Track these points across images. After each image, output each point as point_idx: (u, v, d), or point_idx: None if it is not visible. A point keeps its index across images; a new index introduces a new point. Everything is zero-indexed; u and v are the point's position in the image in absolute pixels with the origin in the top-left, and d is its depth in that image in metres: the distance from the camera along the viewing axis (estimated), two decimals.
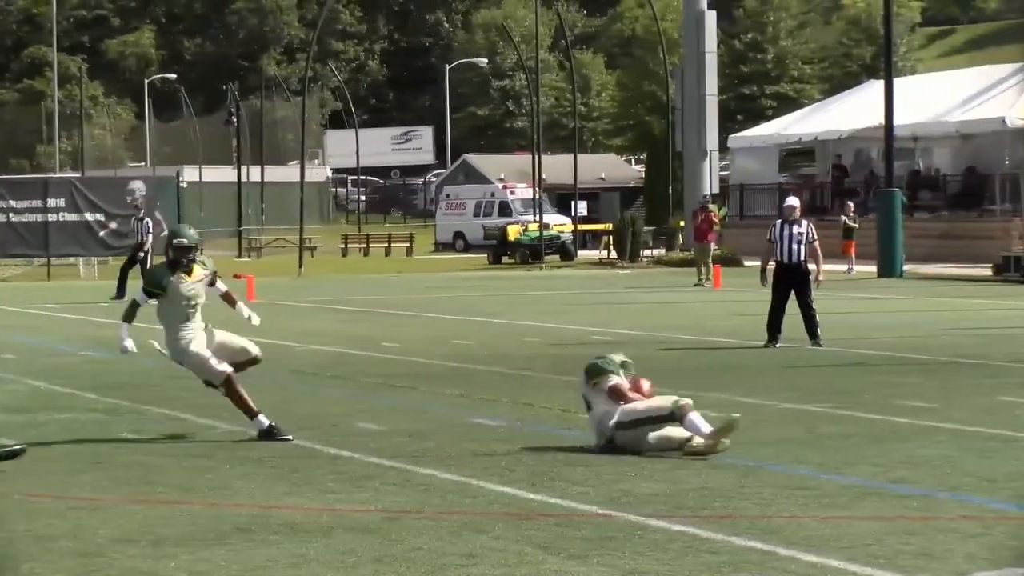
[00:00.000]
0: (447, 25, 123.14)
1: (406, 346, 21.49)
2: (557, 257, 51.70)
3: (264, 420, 12.91)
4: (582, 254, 53.68)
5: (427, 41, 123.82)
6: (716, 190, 51.87)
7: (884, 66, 42.85)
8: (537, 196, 57.20)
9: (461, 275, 44.43)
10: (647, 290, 35.90)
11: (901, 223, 39.94)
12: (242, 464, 11.72)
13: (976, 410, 14.22)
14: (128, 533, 9.26)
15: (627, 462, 11.46)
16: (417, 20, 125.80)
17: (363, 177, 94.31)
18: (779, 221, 21.14)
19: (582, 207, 59.06)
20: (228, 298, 13.55)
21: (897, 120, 41.02)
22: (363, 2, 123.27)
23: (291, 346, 21.08)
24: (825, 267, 22.08)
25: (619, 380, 12.09)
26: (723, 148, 56.36)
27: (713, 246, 38.82)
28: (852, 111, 52.20)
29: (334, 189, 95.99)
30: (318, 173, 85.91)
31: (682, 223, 49.26)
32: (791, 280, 20.80)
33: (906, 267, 39.62)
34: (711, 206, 40.39)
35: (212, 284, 13.31)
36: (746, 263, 41.58)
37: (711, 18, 52.80)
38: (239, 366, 13.08)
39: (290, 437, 12.78)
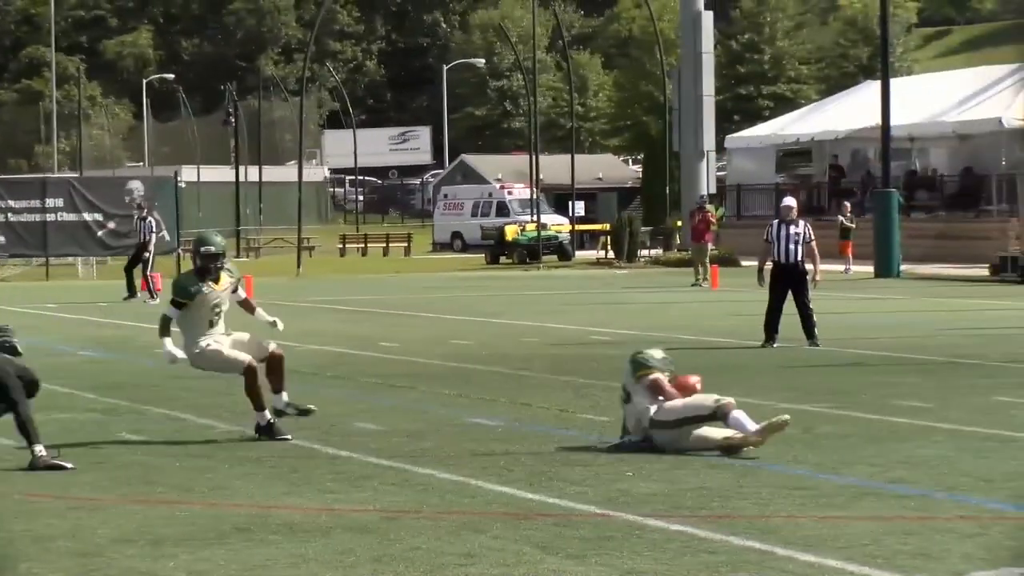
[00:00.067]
0: (444, 25, 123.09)
1: (405, 346, 21.51)
2: (555, 257, 51.71)
3: (268, 415, 12.92)
4: (579, 254, 53.68)
5: (425, 41, 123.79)
6: (713, 190, 51.94)
7: (881, 67, 42.89)
8: (534, 196, 57.24)
9: (459, 275, 44.44)
10: (644, 290, 35.92)
11: (898, 223, 39.97)
12: (241, 464, 11.74)
13: (973, 410, 14.25)
14: (127, 533, 9.28)
15: (626, 462, 11.48)
16: (415, 20, 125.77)
17: (361, 177, 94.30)
18: (776, 221, 21.16)
19: (579, 207, 59.06)
20: (246, 305, 13.44)
21: (894, 120, 41.04)
22: (361, 2, 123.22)
23: (290, 346, 20.96)
24: (822, 267, 22.13)
25: (660, 376, 12.12)
26: (720, 148, 56.35)
27: (710, 246, 38.85)
28: (849, 111, 52.21)
29: (332, 189, 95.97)
30: (316, 173, 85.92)
31: (679, 223, 49.27)
32: (788, 280, 20.82)
33: (903, 267, 39.66)
34: (708, 206, 40.43)
35: (235, 291, 13.26)
36: (743, 263, 41.57)
37: (708, 19, 52.84)
38: (267, 368, 13.01)
39: (289, 436, 12.80)
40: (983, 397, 15.23)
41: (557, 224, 56.91)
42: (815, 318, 20.79)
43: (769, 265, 21.14)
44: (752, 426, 11.71)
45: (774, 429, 11.77)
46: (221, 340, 12.95)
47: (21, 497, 10.48)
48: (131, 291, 32.83)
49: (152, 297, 32.43)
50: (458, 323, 26.11)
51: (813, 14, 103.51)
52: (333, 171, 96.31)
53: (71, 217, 42.37)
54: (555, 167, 63.13)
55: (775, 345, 20.59)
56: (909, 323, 25.38)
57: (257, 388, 12.87)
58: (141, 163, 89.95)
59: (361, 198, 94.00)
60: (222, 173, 74.05)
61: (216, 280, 12.98)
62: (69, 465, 11.53)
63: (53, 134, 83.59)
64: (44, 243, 42.64)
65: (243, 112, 75.68)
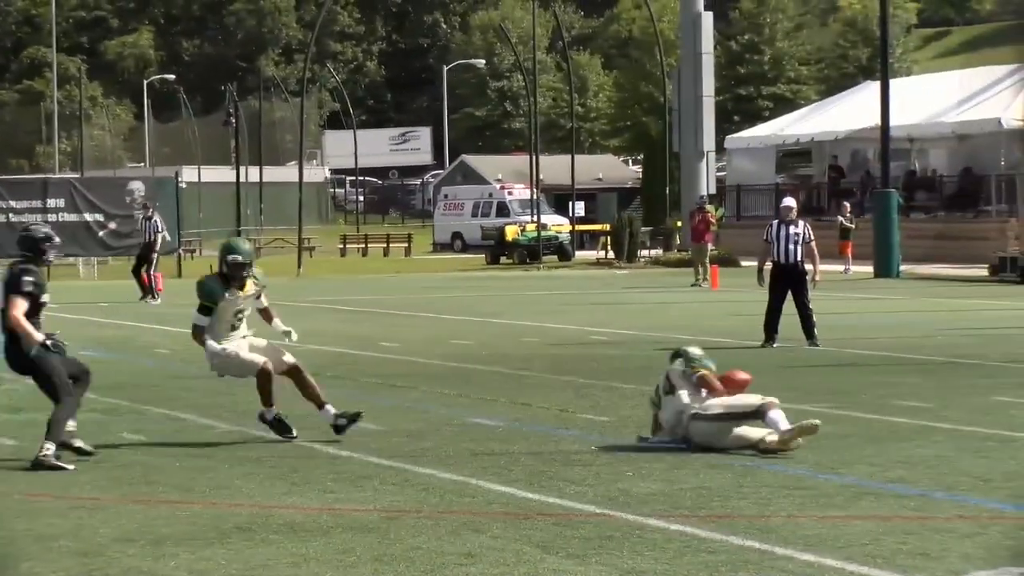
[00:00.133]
0: (445, 26, 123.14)
1: (405, 346, 21.53)
2: (555, 257, 51.73)
3: (275, 410, 12.91)
4: (580, 254, 53.70)
5: (425, 42, 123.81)
6: (713, 191, 51.94)
7: (880, 67, 42.90)
8: (535, 196, 57.24)
9: (459, 275, 44.45)
10: (644, 290, 35.93)
11: (897, 224, 39.98)
12: (242, 464, 11.76)
13: (972, 410, 14.27)
14: (128, 532, 9.30)
15: (625, 461, 11.50)
16: (415, 21, 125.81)
17: (361, 178, 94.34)
18: (776, 221, 21.17)
19: (579, 207, 59.08)
20: (265, 313, 13.30)
21: (893, 121, 41.06)
22: (361, 3, 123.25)
23: (290, 346, 21.07)
24: (822, 267, 22.15)
25: (708, 372, 12.16)
26: (720, 149, 56.35)
27: (710, 246, 38.86)
28: (848, 112, 52.22)
29: (332, 190, 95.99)
30: (316, 174, 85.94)
31: (679, 223, 49.28)
32: (788, 280, 20.83)
33: (902, 267, 39.66)
34: (708, 207, 40.43)
35: (258, 297, 13.16)
36: (743, 263, 41.57)
37: (708, 19, 52.85)
38: (297, 385, 12.98)
39: (295, 435, 12.82)
40: (982, 397, 15.24)
41: (557, 224, 56.92)
42: (815, 318, 20.81)
43: (769, 265, 21.15)
44: (785, 425, 11.78)
45: (804, 431, 11.82)
46: (240, 344, 12.92)
47: (22, 497, 10.50)
48: (143, 291, 32.87)
49: (153, 297, 32.44)
50: (458, 323, 26.12)
51: (813, 15, 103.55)
52: (334, 171, 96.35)
53: (72, 217, 42.39)
54: (555, 167, 63.15)
55: (775, 345, 20.61)
56: (909, 323, 25.38)
57: (268, 387, 12.86)
58: (142, 164, 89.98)
59: (361, 198, 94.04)
60: (223, 174, 74.03)
61: (241, 287, 12.91)
62: (70, 467, 11.56)
63: (54, 134, 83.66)
64: None
65: (244, 113, 75.70)
